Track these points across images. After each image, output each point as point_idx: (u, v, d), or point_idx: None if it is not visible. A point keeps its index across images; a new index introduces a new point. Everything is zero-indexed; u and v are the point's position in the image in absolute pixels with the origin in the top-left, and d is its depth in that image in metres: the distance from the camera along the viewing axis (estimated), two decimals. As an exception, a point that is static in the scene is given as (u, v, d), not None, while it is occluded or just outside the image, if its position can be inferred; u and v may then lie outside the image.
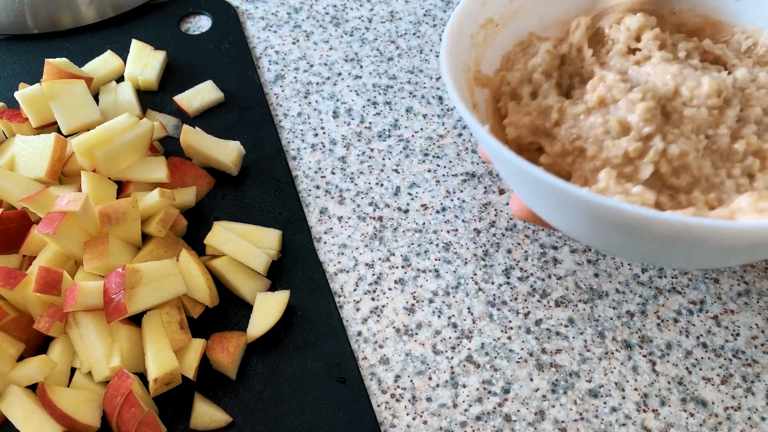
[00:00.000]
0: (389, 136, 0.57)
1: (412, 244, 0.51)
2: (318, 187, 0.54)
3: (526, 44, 0.50)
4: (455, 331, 0.47)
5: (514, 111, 0.47)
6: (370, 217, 0.53)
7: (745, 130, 0.44)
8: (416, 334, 0.47)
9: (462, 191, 0.54)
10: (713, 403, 0.44)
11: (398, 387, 0.45)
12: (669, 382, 0.45)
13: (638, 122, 0.42)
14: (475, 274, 0.50)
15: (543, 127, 0.46)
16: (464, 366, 0.46)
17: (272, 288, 0.49)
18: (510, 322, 0.47)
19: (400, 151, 0.56)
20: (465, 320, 0.48)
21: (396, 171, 0.55)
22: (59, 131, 0.53)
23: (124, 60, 0.60)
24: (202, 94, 0.58)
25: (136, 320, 0.45)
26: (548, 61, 0.48)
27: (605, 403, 0.44)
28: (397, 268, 0.50)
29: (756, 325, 0.47)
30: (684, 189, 0.43)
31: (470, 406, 0.44)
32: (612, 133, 0.43)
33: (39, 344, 0.45)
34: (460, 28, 0.47)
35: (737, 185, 0.43)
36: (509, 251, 0.51)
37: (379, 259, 0.50)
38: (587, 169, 0.43)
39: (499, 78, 0.49)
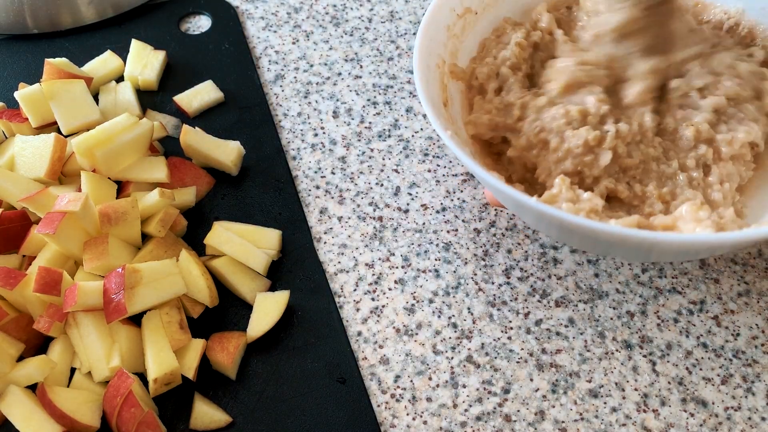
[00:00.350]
0: (389, 136, 0.57)
1: (412, 244, 0.51)
2: (318, 187, 0.54)
3: (501, 31, 0.51)
4: (455, 331, 0.47)
5: (479, 107, 0.49)
6: (370, 217, 0.53)
7: (697, 117, 0.45)
8: (416, 334, 0.47)
9: (462, 191, 0.54)
10: (713, 403, 0.44)
11: (398, 387, 0.45)
12: (669, 383, 0.45)
13: (595, 103, 0.44)
14: (475, 274, 0.49)
15: (504, 123, 0.47)
16: (464, 366, 0.46)
17: (272, 288, 0.49)
18: (510, 322, 0.47)
19: (400, 151, 0.56)
20: (465, 320, 0.48)
21: (396, 171, 0.55)
22: (59, 131, 0.53)
23: (124, 60, 0.60)
24: (202, 94, 0.58)
25: (136, 320, 0.45)
26: (517, 54, 0.49)
27: (605, 403, 0.44)
28: (397, 268, 0.50)
29: (756, 325, 0.47)
30: (639, 175, 0.45)
31: (470, 406, 0.44)
32: (573, 123, 0.44)
33: (39, 344, 0.45)
34: (435, 21, 0.48)
35: (690, 179, 0.44)
36: (509, 251, 0.51)
37: (379, 259, 0.50)
38: (551, 161, 0.45)
39: (470, 71, 0.50)
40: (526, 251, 0.50)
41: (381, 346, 0.47)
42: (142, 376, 0.44)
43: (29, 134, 0.52)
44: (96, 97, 0.57)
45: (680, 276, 0.49)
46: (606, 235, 0.37)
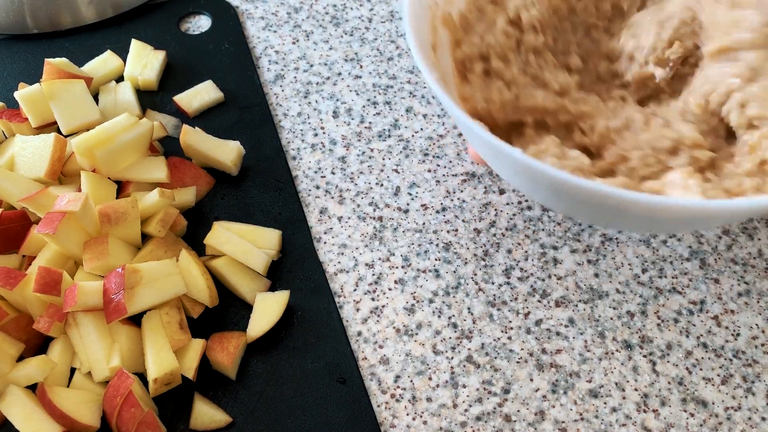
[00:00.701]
0: (389, 136, 0.57)
1: (412, 244, 0.51)
2: (318, 187, 0.54)
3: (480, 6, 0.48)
4: (455, 331, 0.47)
5: (471, 88, 0.47)
6: (370, 217, 0.53)
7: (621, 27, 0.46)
8: (416, 334, 0.47)
9: (462, 191, 0.54)
10: (713, 404, 0.44)
11: (398, 387, 0.45)
12: (669, 383, 0.45)
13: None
14: (475, 274, 0.49)
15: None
16: (464, 366, 0.46)
17: (272, 288, 0.49)
18: (510, 322, 0.47)
19: (400, 151, 0.56)
20: (465, 320, 0.48)
21: (396, 171, 0.55)
22: (59, 131, 0.53)
23: (124, 60, 0.60)
24: (201, 94, 0.58)
25: (136, 320, 0.45)
26: (503, 43, 0.47)
27: (605, 403, 0.44)
28: (397, 268, 0.50)
29: (756, 325, 0.47)
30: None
31: (470, 406, 0.44)
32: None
33: (39, 344, 0.45)
34: None
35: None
36: (509, 251, 0.51)
37: (379, 259, 0.50)
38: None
39: (460, 25, 0.48)
40: (526, 251, 0.50)
41: (381, 346, 0.47)
42: (142, 376, 0.44)
43: (29, 134, 0.52)
44: (96, 97, 0.57)
45: (680, 276, 0.49)
46: (581, 192, 0.36)
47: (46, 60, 0.54)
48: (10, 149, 0.51)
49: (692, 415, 0.44)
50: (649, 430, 0.43)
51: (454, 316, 0.48)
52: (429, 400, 0.44)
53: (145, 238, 0.49)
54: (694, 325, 0.47)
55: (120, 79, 0.59)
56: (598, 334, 0.47)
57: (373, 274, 0.50)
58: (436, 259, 0.50)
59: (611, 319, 0.47)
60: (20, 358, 0.44)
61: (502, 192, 0.53)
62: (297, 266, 0.50)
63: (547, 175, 0.36)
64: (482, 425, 0.43)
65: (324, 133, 0.57)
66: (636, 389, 0.45)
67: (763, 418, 0.43)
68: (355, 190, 0.54)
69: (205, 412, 0.43)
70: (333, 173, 0.55)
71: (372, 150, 0.56)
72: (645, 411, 0.44)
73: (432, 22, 0.45)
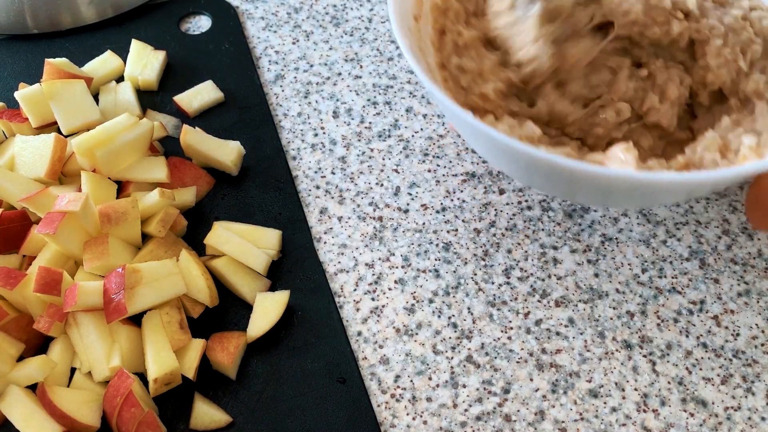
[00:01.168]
0: (389, 136, 0.57)
1: (412, 244, 0.51)
2: (318, 187, 0.54)
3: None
4: (455, 331, 0.47)
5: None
6: (370, 217, 0.53)
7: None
8: (416, 334, 0.47)
9: (462, 191, 0.54)
10: (713, 403, 0.44)
11: (398, 387, 0.45)
12: (669, 382, 0.45)
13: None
14: (475, 274, 0.50)
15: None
16: (464, 366, 0.46)
17: (272, 288, 0.49)
18: (510, 322, 0.47)
19: (400, 151, 0.56)
20: (465, 320, 0.48)
21: (396, 171, 0.55)
22: (59, 131, 0.53)
23: (124, 60, 0.60)
24: (202, 94, 0.58)
25: (136, 320, 0.45)
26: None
27: (605, 403, 0.44)
28: (397, 268, 0.50)
29: (756, 325, 0.47)
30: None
31: (470, 406, 0.44)
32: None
33: (39, 344, 0.45)
34: None
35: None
36: (509, 251, 0.51)
37: (379, 259, 0.50)
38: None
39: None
40: (526, 251, 0.50)
41: (381, 346, 0.47)
42: (142, 376, 0.44)
43: (29, 134, 0.52)
44: (96, 97, 0.57)
45: (680, 276, 0.49)
46: (521, 156, 0.38)
47: (47, 60, 0.54)
48: (10, 149, 0.51)
49: (692, 415, 0.44)
50: (649, 430, 0.43)
51: (454, 316, 0.48)
52: (429, 400, 0.45)
53: (145, 238, 0.49)
54: (694, 325, 0.47)
55: (120, 79, 0.59)
56: (597, 334, 0.47)
57: (373, 274, 0.50)
58: (436, 259, 0.50)
59: (611, 319, 0.47)
60: (20, 358, 0.44)
61: (502, 192, 0.53)
62: (297, 266, 0.50)
63: (494, 139, 0.38)
64: (482, 425, 0.43)
65: (324, 133, 0.57)
66: (636, 389, 0.45)
67: (763, 418, 0.43)
68: (355, 190, 0.54)
69: (205, 412, 0.43)
70: (333, 173, 0.55)
71: (372, 150, 0.56)
72: (645, 411, 0.44)
73: None
